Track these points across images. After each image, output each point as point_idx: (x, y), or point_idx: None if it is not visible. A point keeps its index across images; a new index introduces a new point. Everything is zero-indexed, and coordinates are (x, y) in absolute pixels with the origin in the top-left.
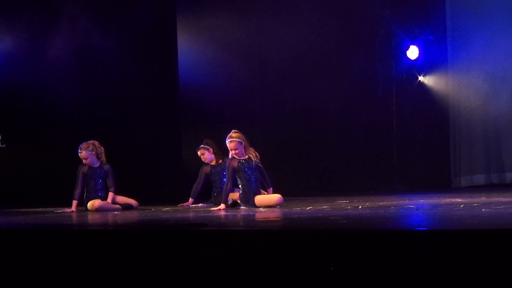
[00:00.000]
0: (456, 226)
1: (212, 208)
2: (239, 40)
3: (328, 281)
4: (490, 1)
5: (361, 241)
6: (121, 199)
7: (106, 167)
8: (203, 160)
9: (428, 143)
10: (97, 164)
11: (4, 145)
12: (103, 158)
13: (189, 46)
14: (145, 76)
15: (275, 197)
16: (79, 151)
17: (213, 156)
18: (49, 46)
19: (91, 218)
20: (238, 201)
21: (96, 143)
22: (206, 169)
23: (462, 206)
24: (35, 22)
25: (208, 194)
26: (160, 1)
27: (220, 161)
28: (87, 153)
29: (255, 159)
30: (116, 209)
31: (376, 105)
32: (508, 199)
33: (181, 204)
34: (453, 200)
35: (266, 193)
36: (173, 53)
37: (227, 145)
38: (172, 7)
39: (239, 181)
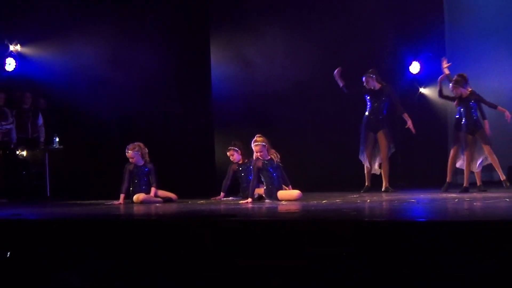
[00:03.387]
0: (451, 217)
1: (241, 201)
2: (262, 57)
3: (341, 265)
4: (484, 22)
5: (368, 230)
6: (162, 193)
7: (149, 165)
8: (231, 159)
9: (429, 145)
10: (141, 163)
11: (61, 146)
12: (147, 158)
13: (221, 61)
14: (183, 87)
15: (295, 192)
16: (126, 151)
17: (240, 156)
18: (99, 64)
19: (136, 209)
20: (263, 195)
21: (141, 144)
22: (234, 167)
23: (456, 200)
24: (87, 46)
25: (236, 189)
26: (196, 22)
27: (246, 160)
28: (134, 153)
29: (277, 159)
30: (158, 202)
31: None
32: (495, 195)
33: (213, 198)
34: (449, 195)
35: (287, 188)
36: (207, 67)
37: (253, 147)
38: (206, 28)
39: (263, 178)
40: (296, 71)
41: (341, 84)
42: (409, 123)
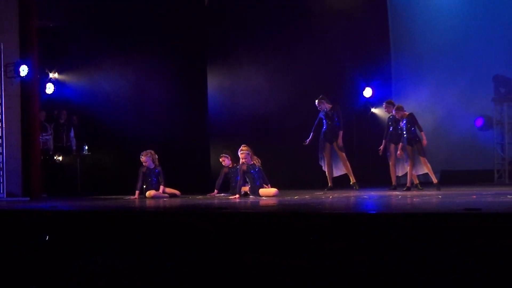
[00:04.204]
0: (395, 210)
1: (230, 197)
2: (249, 83)
3: (309, 248)
4: (425, 52)
5: (329, 220)
6: (169, 190)
7: (159, 168)
8: (223, 164)
9: (375, 152)
10: (152, 166)
11: (89, 153)
12: (156, 162)
13: (216, 86)
14: (186, 107)
15: (273, 190)
16: (140, 156)
17: (230, 161)
18: (119, 88)
19: (148, 203)
20: (248, 192)
21: (152, 151)
22: (225, 170)
23: (400, 197)
24: (110, 74)
25: (227, 187)
26: (195, 55)
27: (235, 164)
28: (146, 158)
29: (258, 164)
30: (165, 197)
31: (352, 126)
32: (430, 193)
33: (209, 194)
34: (394, 193)
35: (267, 187)
36: (204, 91)
37: (239, 155)
38: (204, 60)
39: (247, 179)
40: (276, 94)
41: (310, 137)
42: (339, 141)
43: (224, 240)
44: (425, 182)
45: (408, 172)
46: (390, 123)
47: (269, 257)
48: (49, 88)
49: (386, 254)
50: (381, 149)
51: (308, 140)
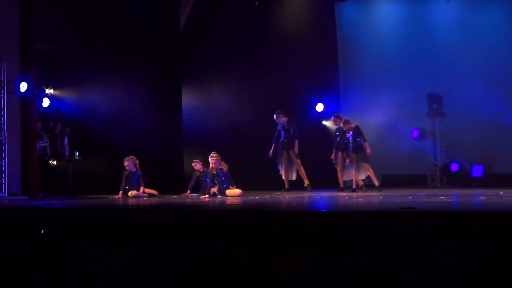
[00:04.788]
0: (342, 208)
1: (201, 197)
2: (218, 100)
3: (267, 238)
4: (370, 71)
5: (285, 217)
6: (148, 190)
7: (139, 172)
8: (195, 168)
9: (323, 158)
10: (134, 170)
11: (80, 158)
12: (138, 166)
13: (189, 102)
14: (163, 118)
15: (238, 191)
16: (124, 161)
17: (201, 166)
18: (106, 103)
19: (130, 201)
20: (216, 193)
21: (134, 157)
22: (197, 173)
23: (346, 197)
24: (99, 91)
25: (198, 188)
26: (172, 73)
27: (205, 169)
28: (129, 163)
29: (225, 168)
30: (145, 197)
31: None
32: (373, 194)
33: (182, 194)
34: (341, 194)
35: (232, 188)
36: (179, 105)
37: (209, 160)
38: (179, 79)
39: (216, 181)
40: (241, 110)
41: (272, 149)
42: (295, 149)
43: (194, 234)
44: (368, 185)
45: (353, 176)
46: (337, 134)
47: (234, 249)
48: (46, 102)
49: (335, 248)
50: (333, 157)
51: (271, 152)
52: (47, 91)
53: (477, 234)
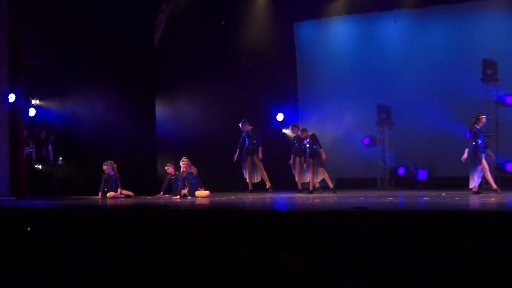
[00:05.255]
0: (300, 208)
1: (172, 198)
2: (191, 107)
3: (233, 237)
4: (327, 84)
5: (248, 216)
6: (125, 192)
7: (117, 175)
8: (167, 172)
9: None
10: (112, 173)
11: (63, 162)
12: (115, 170)
13: (163, 110)
14: (139, 127)
15: (206, 192)
16: (103, 165)
17: (173, 170)
18: (87, 113)
19: (109, 202)
20: (187, 194)
21: (112, 162)
22: (169, 176)
23: (304, 198)
24: (80, 102)
25: (170, 190)
26: (147, 87)
27: (177, 172)
28: (107, 167)
29: (195, 172)
30: (122, 197)
31: (269, 143)
32: (329, 195)
33: (156, 195)
34: (300, 195)
35: (201, 190)
36: (153, 114)
37: (180, 164)
38: (153, 90)
39: (186, 184)
40: (210, 118)
41: (237, 154)
42: (259, 154)
43: (166, 230)
44: (324, 187)
45: (310, 179)
46: (295, 141)
47: (203, 245)
48: (32, 112)
49: (293, 244)
50: (291, 162)
51: (235, 157)
52: (33, 101)
53: (422, 231)
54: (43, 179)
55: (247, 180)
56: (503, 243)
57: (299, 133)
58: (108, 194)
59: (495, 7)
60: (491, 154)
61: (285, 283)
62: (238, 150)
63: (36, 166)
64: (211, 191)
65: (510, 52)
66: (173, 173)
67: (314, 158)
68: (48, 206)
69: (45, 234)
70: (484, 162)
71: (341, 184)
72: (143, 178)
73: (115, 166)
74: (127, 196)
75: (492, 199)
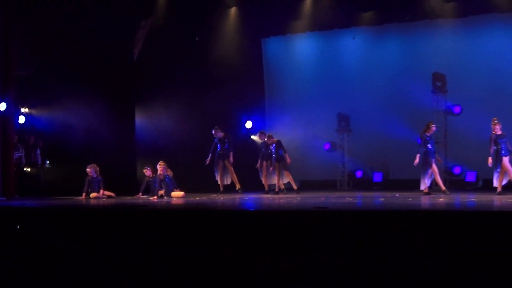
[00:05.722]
0: (267, 208)
1: (150, 198)
2: (168, 115)
3: (206, 235)
4: (292, 94)
5: (219, 215)
6: (107, 192)
7: (100, 177)
8: (146, 174)
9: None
10: (95, 176)
11: (50, 166)
12: (98, 173)
13: (143, 118)
14: (119, 133)
15: (181, 193)
16: (86, 168)
17: (150, 172)
18: (73, 120)
19: (92, 202)
20: (163, 195)
21: (95, 165)
22: (147, 178)
23: (270, 198)
24: (67, 110)
25: (148, 191)
26: (126, 95)
27: (154, 175)
28: (91, 170)
29: (171, 175)
30: (104, 198)
31: (238, 149)
32: (293, 196)
33: (135, 196)
34: (267, 196)
35: (176, 191)
36: (132, 121)
37: (158, 168)
38: (133, 99)
39: (163, 185)
40: (185, 126)
41: (209, 158)
42: (230, 159)
43: (144, 228)
44: (288, 188)
45: (276, 181)
46: (262, 146)
47: (176, 241)
48: (21, 119)
49: (260, 241)
50: (259, 166)
51: (208, 160)
52: (23, 110)
53: (377, 228)
54: (32, 181)
55: (219, 182)
56: (451, 240)
57: (266, 139)
58: (91, 195)
59: (444, 26)
60: (440, 159)
61: (254, 279)
62: (210, 154)
63: (25, 169)
64: (185, 192)
65: (458, 66)
66: (151, 176)
67: (279, 162)
68: (36, 205)
69: (32, 231)
70: (434, 166)
71: (304, 186)
72: (123, 180)
73: (98, 169)
74: (109, 197)
75: (441, 199)
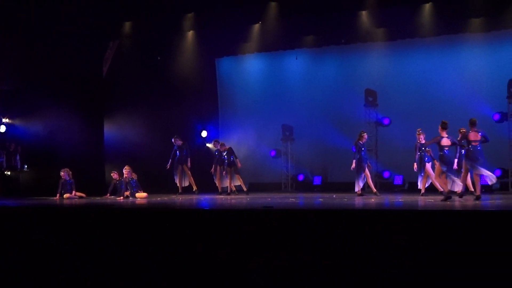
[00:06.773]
0: (220, 207)
1: (117, 198)
2: (133, 125)
3: (165, 232)
4: (245, 103)
5: (184, 215)
6: (78, 193)
7: (72, 180)
8: (113, 177)
9: (207, 168)
10: (68, 178)
11: (28, 170)
12: (71, 175)
13: (111, 127)
14: (89, 141)
15: (144, 194)
16: (60, 172)
17: (117, 176)
18: (50, 128)
19: (65, 202)
20: (129, 195)
21: (68, 169)
22: (114, 181)
23: (223, 199)
24: (45, 120)
25: (115, 192)
26: (97, 107)
27: (121, 178)
28: (64, 173)
29: (135, 178)
30: (76, 198)
31: (195, 155)
32: (243, 196)
33: (104, 196)
34: (220, 196)
35: (141, 192)
36: (101, 131)
37: (124, 171)
38: (102, 111)
39: (128, 187)
40: (149, 135)
41: (169, 163)
42: (188, 164)
43: (111, 226)
44: (239, 189)
45: (228, 184)
46: (216, 153)
47: (138, 237)
48: (3, 128)
49: (214, 238)
50: (213, 170)
51: (168, 165)
52: (4, 120)
53: (318, 226)
54: (12, 183)
55: (178, 185)
56: (381, 237)
57: (219, 147)
58: (65, 195)
59: (375, 48)
60: (369, 164)
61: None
62: (170, 160)
63: (6, 172)
64: (148, 193)
65: (387, 83)
66: (117, 179)
67: (231, 166)
68: (15, 205)
69: (11, 227)
70: (366, 170)
71: (253, 187)
72: (93, 182)
73: (70, 172)
74: (80, 197)
75: (373, 200)
